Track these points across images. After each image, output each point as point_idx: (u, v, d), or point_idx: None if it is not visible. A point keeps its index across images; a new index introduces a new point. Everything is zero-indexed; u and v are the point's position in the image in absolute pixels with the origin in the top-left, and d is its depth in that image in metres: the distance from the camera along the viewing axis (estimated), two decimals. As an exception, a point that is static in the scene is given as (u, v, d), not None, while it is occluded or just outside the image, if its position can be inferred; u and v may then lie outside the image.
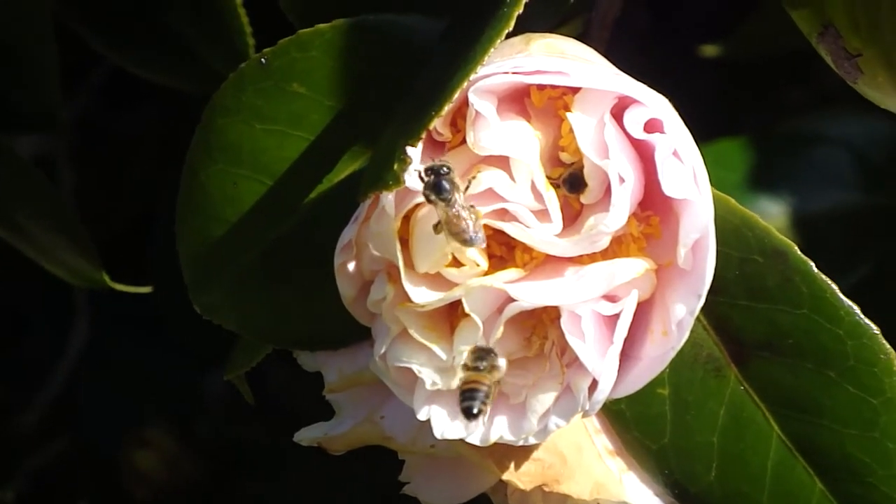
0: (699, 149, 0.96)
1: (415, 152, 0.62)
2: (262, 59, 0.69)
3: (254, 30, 0.92)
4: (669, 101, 0.65)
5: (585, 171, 0.63)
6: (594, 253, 0.64)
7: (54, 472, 1.52)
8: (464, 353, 0.63)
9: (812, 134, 1.12)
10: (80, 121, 1.44)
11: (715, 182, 1.19)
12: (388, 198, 0.62)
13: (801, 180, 1.11)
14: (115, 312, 1.46)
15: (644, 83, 0.64)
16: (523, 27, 0.65)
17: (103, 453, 1.51)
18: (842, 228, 1.10)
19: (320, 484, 1.45)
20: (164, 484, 1.52)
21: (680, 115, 0.65)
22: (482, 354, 0.63)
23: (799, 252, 0.67)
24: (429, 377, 0.64)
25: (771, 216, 1.10)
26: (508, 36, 0.64)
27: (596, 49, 0.69)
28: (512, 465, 0.68)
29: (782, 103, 1.31)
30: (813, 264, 0.67)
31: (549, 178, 0.63)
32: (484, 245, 0.63)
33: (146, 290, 0.97)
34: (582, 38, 0.71)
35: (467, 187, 0.62)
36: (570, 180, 0.63)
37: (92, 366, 1.47)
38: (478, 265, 0.63)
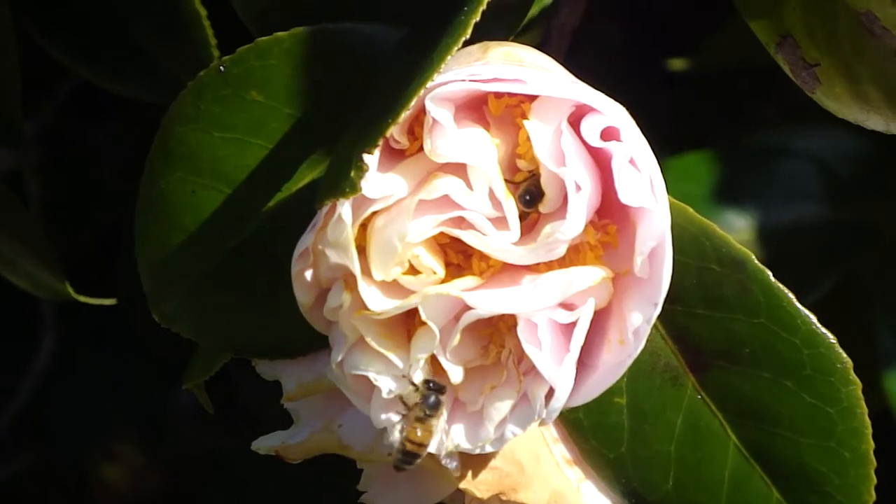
0: (665, 162, 0.97)
1: (371, 160, 0.62)
2: (221, 67, 0.69)
3: (218, 42, 0.92)
4: (634, 114, 0.65)
5: (543, 179, 0.63)
6: (551, 261, 0.64)
7: (21, 486, 1.51)
8: (420, 360, 0.63)
9: (777, 147, 1.12)
10: (47, 133, 1.44)
11: (680, 195, 1.19)
12: (345, 205, 0.62)
13: (766, 194, 1.12)
14: (81, 325, 1.46)
15: (610, 95, 0.64)
16: (481, 36, 0.65)
17: (70, 466, 1.51)
18: (807, 242, 1.11)
19: (289, 496, 1.45)
20: (131, 497, 1.51)
21: (646, 129, 0.65)
22: (435, 387, 0.63)
23: (756, 261, 0.67)
24: (385, 385, 0.64)
25: (736, 229, 1.11)
26: (466, 44, 0.64)
27: (554, 59, 0.69)
28: (469, 473, 0.68)
29: (749, 117, 1.32)
30: (770, 273, 0.67)
31: (508, 181, 0.63)
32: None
33: (110, 302, 0.97)
34: (541, 47, 0.71)
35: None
36: (527, 195, 0.62)
37: (58, 379, 1.46)
38: (434, 273, 0.63)
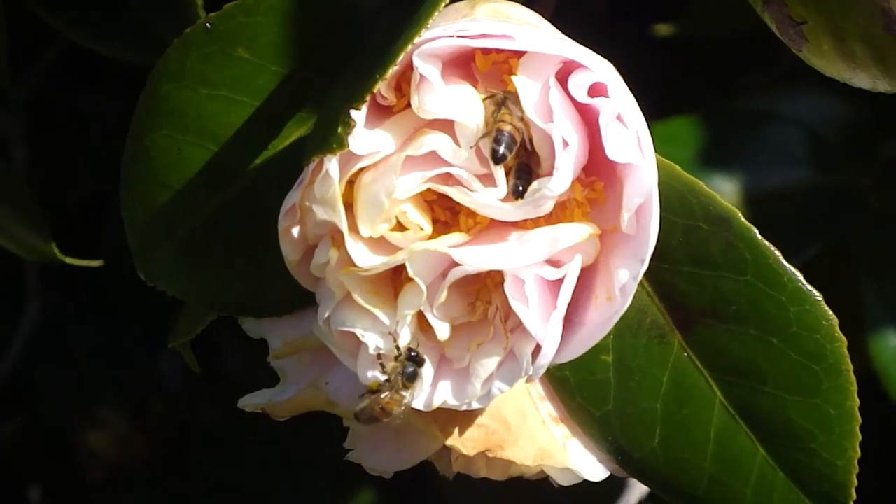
0: (652, 126, 0.96)
1: (359, 116, 0.62)
2: (207, 24, 0.69)
3: (205, 3, 0.91)
4: (620, 75, 0.65)
5: (535, 141, 0.62)
6: (538, 218, 0.64)
7: (7, 453, 1.51)
8: (407, 317, 0.63)
9: (765, 112, 1.12)
10: (34, 99, 1.43)
11: (668, 159, 1.19)
12: (332, 161, 0.62)
13: (753, 158, 1.12)
14: (68, 292, 1.46)
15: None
16: None
17: (57, 434, 1.51)
18: (794, 206, 1.11)
19: (274, 462, 1.45)
20: (117, 464, 1.51)
21: (634, 94, 0.65)
22: (415, 358, 0.63)
23: (743, 219, 0.67)
24: (372, 342, 0.64)
25: (723, 194, 1.11)
26: (453, 0, 0.63)
27: (542, 16, 0.69)
28: (456, 430, 0.68)
29: (736, 82, 1.32)
30: (756, 231, 0.67)
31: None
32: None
33: (96, 263, 0.97)
34: (529, 5, 0.71)
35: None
36: (521, 173, 0.62)
37: (45, 346, 1.46)
38: (422, 229, 0.63)
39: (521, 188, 0.62)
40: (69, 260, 0.94)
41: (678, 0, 1.28)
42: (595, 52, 0.64)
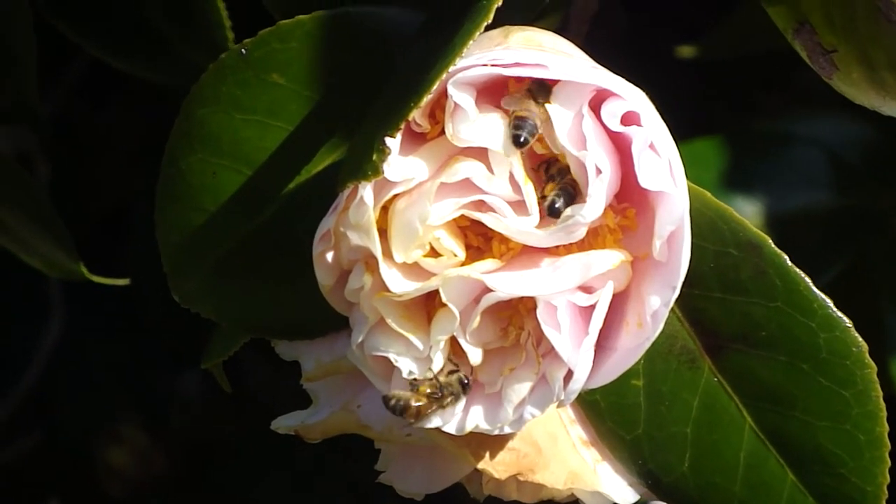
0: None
1: (393, 143, 0.62)
2: (243, 50, 0.70)
3: (233, 23, 0.92)
4: (649, 95, 0.65)
5: (572, 169, 0.63)
6: (570, 244, 0.64)
7: (26, 467, 1.51)
8: (441, 342, 0.64)
9: (786, 134, 1.13)
10: (57, 114, 1.44)
11: (690, 181, 1.20)
12: (367, 188, 0.63)
13: (775, 180, 1.12)
14: (89, 307, 1.46)
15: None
16: (502, 20, 0.66)
17: (77, 448, 1.51)
18: (815, 228, 1.11)
19: (295, 479, 1.46)
20: (137, 480, 1.52)
21: (661, 117, 0.66)
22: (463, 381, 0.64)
23: (773, 245, 0.67)
24: (405, 366, 0.64)
25: (745, 215, 1.11)
26: (487, 28, 0.64)
27: (574, 43, 0.69)
28: (487, 454, 0.69)
29: (758, 104, 1.32)
30: (787, 257, 0.67)
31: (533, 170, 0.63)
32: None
33: (123, 282, 0.97)
34: (560, 32, 0.71)
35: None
36: (563, 194, 0.63)
37: (66, 361, 1.47)
38: (455, 255, 0.64)
39: (556, 205, 0.63)
40: (96, 278, 0.95)
41: (700, 21, 1.29)
42: (620, 74, 0.65)
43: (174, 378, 1.49)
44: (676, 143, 1.07)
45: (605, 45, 0.80)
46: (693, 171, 1.12)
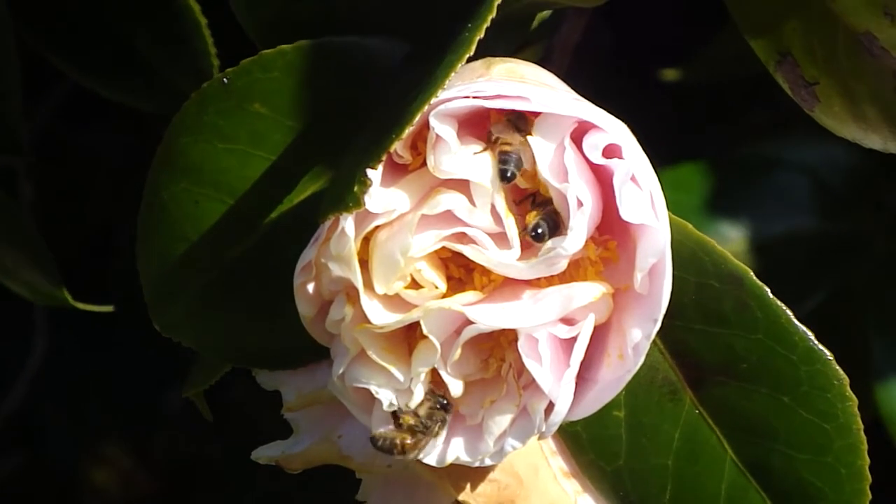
0: (659, 172, 0.96)
1: (375, 174, 0.62)
2: (225, 79, 0.70)
3: (217, 50, 0.92)
4: (629, 124, 0.65)
5: (555, 201, 0.63)
6: (552, 276, 0.64)
7: (10, 489, 1.51)
8: (422, 374, 0.64)
9: (771, 159, 1.13)
10: (41, 136, 1.44)
11: (674, 205, 1.20)
12: (349, 219, 0.63)
13: (759, 205, 1.13)
14: (73, 329, 1.46)
15: (604, 107, 0.65)
16: (484, 51, 0.66)
17: (60, 470, 1.51)
18: (800, 253, 1.11)
19: (279, 499, 1.45)
20: (121, 500, 1.51)
21: (640, 138, 0.66)
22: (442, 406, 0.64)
23: (754, 277, 0.67)
24: (386, 398, 0.64)
25: (729, 240, 1.11)
26: (470, 60, 0.64)
27: (556, 74, 0.69)
28: (468, 485, 0.69)
29: (742, 127, 1.32)
30: (768, 290, 0.67)
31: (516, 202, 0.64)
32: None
33: (107, 309, 0.97)
34: (543, 62, 0.72)
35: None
36: (547, 220, 0.63)
37: (50, 382, 1.46)
38: (436, 287, 0.64)
39: (540, 230, 0.63)
40: (80, 305, 0.95)
41: (685, 43, 1.29)
42: (600, 97, 0.65)
43: (157, 399, 1.49)
44: (661, 167, 1.07)
45: (589, 69, 0.80)
46: (678, 196, 1.13)
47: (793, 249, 1.11)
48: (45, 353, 1.41)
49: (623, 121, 0.65)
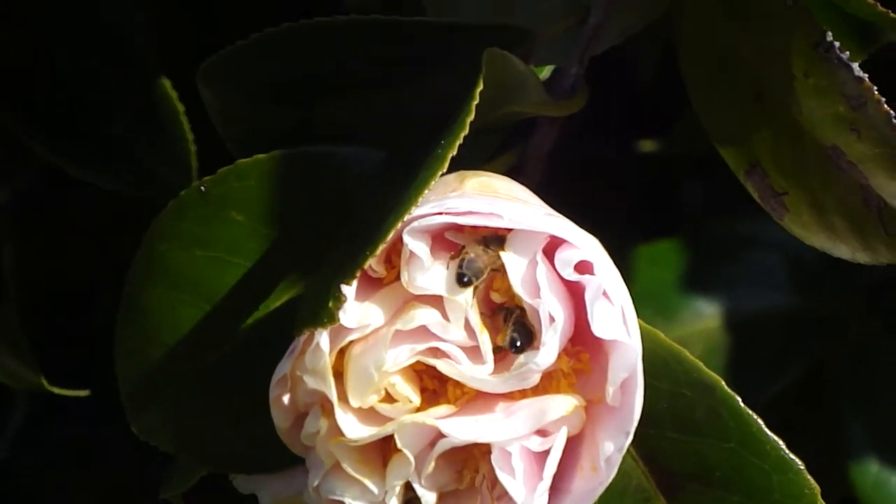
0: (636, 249, 0.97)
1: (349, 290, 0.63)
2: (202, 188, 0.71)
3: (195, 137, 0.93)
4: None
5: (528, 315, 0.64)
6: (525, 389, 0.65)
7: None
8: (396, 487, 0.64)
9: (747, 237, 1.14)
10: (22, 194, 1.44)
11: (651, 282, 1.21)
12: (323, 334, 0.63)
13: (735, 282, 1.13)
14: (51, 399, 1.46)
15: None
16: (459, 159, 0.67)
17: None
18: (776, 331, 1.12)
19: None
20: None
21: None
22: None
23: (725, 387, 0.68)
24: (361, 510, 0.65)
25: (705, 317, 1.12)
26: (443, 172, 0.65)
27: (530, 181, 0.70)
28: None
29: (720, 201, 1.33)
30: (739, 399, 0.68)
31: (486, 315, 0.64)
32: None
33: (83, 393, 0.98)
34: (517, 170, 0.72)
35: None
36: (515, 337, 0.63)
37: (29, 447, 1.46)
38: (410, 401, 0.64)
39: (517, 343, 0.64)
40: (56, 390, 0.96)
41: (664, 115, 1.30)
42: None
43: (138, 467, 1.49)
44: (637, 238, 1.07)
45: (567, 141, 0.80)
46: (655, 272, 1.13)
47: (768, 326, 1.12)
48: (22, 424, 1.41)
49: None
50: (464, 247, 0.64)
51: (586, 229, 0.66)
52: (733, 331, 1.12)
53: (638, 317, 0.66)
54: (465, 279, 0.63)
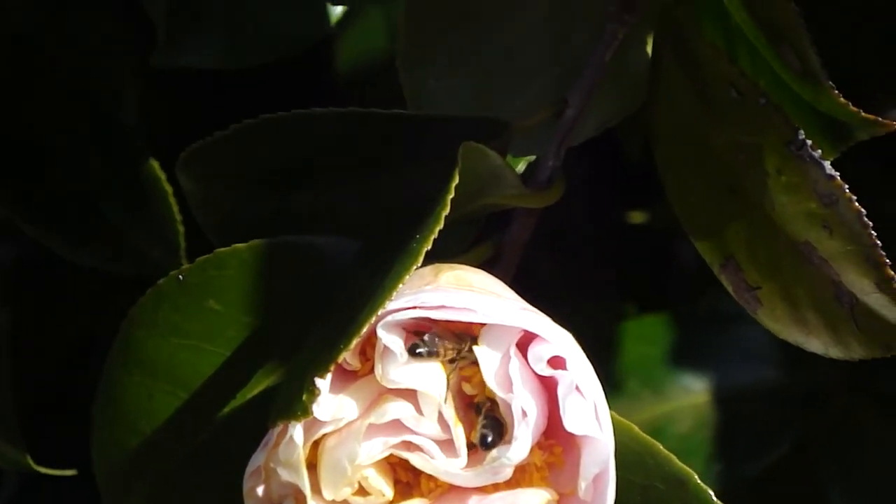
0: (624, 325, 0.97)
1: (323, 383, 0.63)
2: (180, 276, 0.71)
3: (184, 217, 0.93)
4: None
5: (500, 409, 0.64)
6: (498, 482, 0.65)
7: None
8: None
9: (734, 312, 1.14)
10: (15, 262, 1.45)
11: (638, 357, 1.21)
12: (297, 427, 0.64)
13: (722, 356, 1.14)
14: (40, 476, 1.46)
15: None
16: (435, 250, 0.67)
17: None
18: (762, 405, 1.12)
19: None
20: None
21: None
22: None
23: (698, 480, 0.68)
24: None
25: (693, 392, 1.13)
26: (418, 266, 0.65)
27: (507, 271, 0.71)
28: None
29: (708, 275, 1.33)
30: (711, 493, 0.68)
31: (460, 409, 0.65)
32: None
33: (70, 473, 0.98)
34: (493, 260, 0.73)
35: None
36: (494, 426, 0.64)
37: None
38: (383, 495, 0.65)
39: (488, 440, 0.64)
40: (43, 470, 0.96)
41: (651, 189, 1.30)
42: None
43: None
44: (625, 312, 1.08)
45: (551, 212, 0.81)
46: (642, 348, 1.14)
47: (755, 401, 1.13)
48: (15, 491, 1.41)
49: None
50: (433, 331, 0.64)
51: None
52: (721, 405, 1.12)
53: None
54: (417, 351, 0.64)
